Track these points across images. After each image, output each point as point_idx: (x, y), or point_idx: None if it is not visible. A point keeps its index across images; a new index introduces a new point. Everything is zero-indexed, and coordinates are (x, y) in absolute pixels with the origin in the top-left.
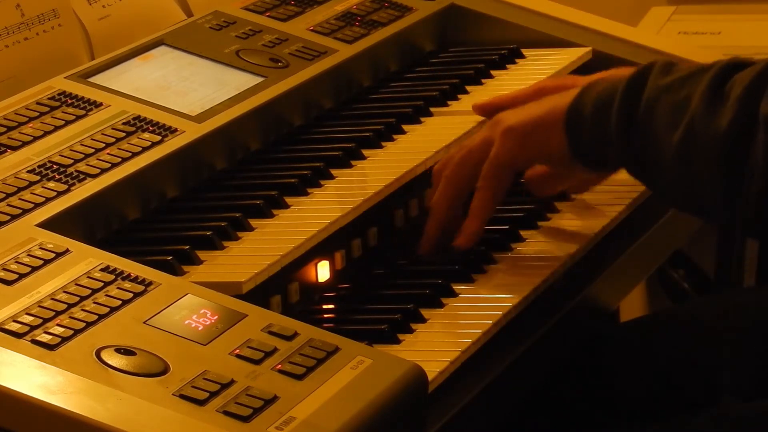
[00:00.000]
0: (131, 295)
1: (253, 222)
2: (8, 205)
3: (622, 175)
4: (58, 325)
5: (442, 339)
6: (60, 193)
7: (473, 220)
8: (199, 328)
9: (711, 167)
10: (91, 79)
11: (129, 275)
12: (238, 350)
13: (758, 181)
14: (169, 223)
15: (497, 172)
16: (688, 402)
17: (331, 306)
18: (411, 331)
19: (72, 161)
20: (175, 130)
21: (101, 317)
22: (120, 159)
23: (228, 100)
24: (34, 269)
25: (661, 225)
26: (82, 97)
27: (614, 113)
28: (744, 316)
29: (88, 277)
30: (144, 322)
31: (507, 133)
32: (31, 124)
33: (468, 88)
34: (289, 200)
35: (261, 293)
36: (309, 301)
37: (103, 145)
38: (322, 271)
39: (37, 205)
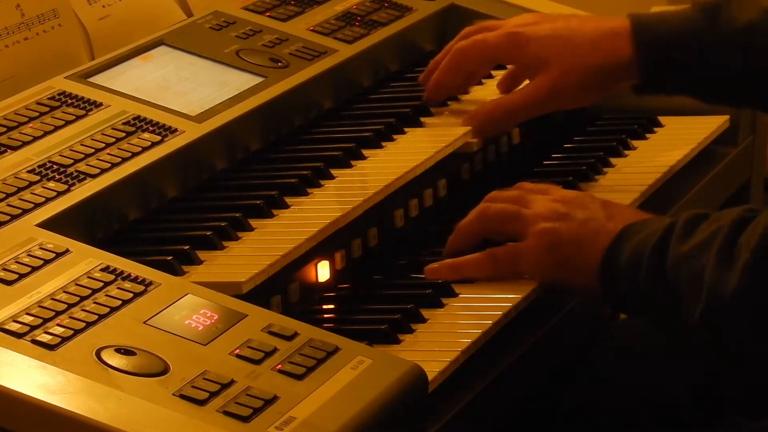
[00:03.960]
0: (131, 295)
1: (253, 222)
2: (8, 205)
3: (622, 177)
4: (58, 325)
5: (442, 339)
6: (60, 193)
7: (456, 272)
8: (199, 328)
9: (736, 335)
10: (91, 79)
11: (129, 275)
12: (238, 350)
13: None
14: (169, 223)
15: (509, 267)
16: (688, 402)
17: (331, 306)
18: (411, 331)
19: (72, 161)
20: (175, 130)
21: (101, 317)
22: (120, 159)
23: (228, 100)
24: (34, 269)
25: None
26: (82, 97)
27: (642, 282)
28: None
29: (88, 277)
30: (144, 322)
31: (541, 251)
32: (31, 124)
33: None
34: (289, 200)
35: (261, 293)
36: (309, 301)
37: (103, 145)
38: (322, 271)
39: (37, 205)
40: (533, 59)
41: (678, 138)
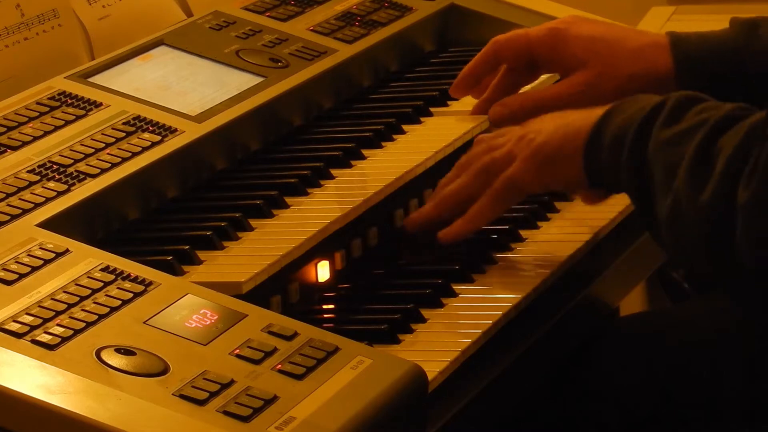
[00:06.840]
0: (131, 295)
1: (253, 222)
2: (8, 205)
3: None
4: (58, 325)
5: (442, 339)
6: (60, 193)
7: (467, 224)
8: (199, 328)
9: (695, 242)
10: (91, 79)
11: (129, 275)
12: (238, 350)
13: (742, 265)
14: (169, 223)
15: (508, 192)
16: (688, 403)
17: (331, 306)
18: (411, 331)
19: (72, 161)
20: (175, 130)
21: (101, 317)
22: (120, 159)
23: (228, 100)
24: (34, 269)
25: None
26: (82, 97)
27: (624, 160)
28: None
29: (88, 277)
30: (144, 322)
31: (529, 158)
32: (31, 124)
33: None
34: (289, 200)
35: (261, 293)
36: (309, 301)
37: (103, 145)
38: (322, 271)
39: (37, 205)
40: (572, 58)
41: None
